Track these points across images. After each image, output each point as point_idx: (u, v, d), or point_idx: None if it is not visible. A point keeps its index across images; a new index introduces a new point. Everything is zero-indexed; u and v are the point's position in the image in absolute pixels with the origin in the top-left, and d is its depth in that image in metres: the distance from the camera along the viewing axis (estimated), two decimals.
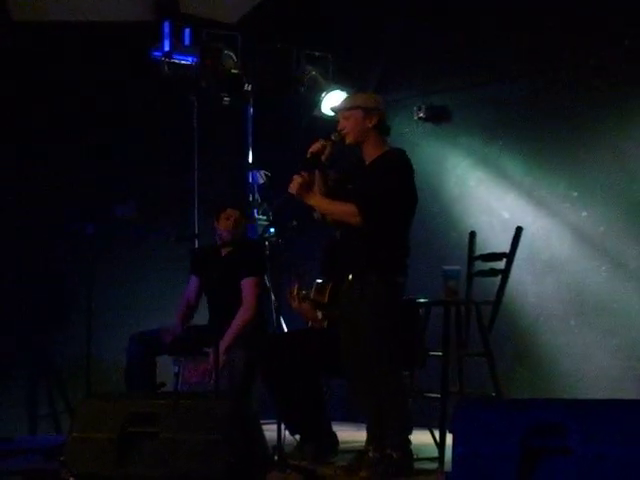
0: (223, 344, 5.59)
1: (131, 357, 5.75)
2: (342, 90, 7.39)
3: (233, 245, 5.97)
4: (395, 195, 4.74)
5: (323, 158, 4.88)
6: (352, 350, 4.76)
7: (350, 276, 4.80)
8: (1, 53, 6.50)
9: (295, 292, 5.47)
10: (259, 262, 5.94)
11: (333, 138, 4.87)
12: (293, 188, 4.80)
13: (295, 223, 5.41)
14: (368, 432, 4.86)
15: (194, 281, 6.11)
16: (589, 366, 6.30)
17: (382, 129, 4.89)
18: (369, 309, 4.71)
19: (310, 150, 4.88)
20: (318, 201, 4.88)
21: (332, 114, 5.50)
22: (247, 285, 5.86)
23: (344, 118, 4.88)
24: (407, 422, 4.79)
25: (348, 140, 4.86)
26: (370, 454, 4.76)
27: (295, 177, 4.82)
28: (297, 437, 5.32)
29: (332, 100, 7.19)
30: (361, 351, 4.72)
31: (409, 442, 4.76)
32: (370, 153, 4.87)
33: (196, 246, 6.81)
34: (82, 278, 5.82)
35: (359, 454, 4.87)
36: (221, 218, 5.97)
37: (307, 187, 4.83)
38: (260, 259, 5.95)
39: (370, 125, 4.83)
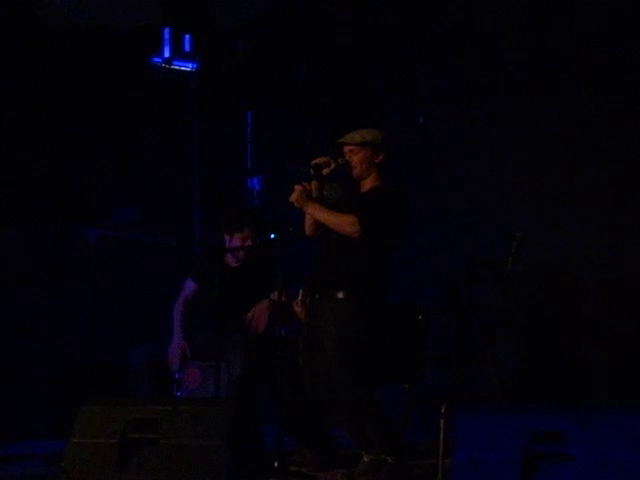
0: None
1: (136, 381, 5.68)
2: None
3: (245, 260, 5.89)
4: (389, 224, 4.80)
5: (325, 172, 4.94)
6: (317, 370, 4.83)
7: (317, 295, 4.87)
8: (2, 54, 6.51)
9: (300, 298, 5.47)
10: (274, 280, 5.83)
11: (340, 162, 4.94)
12: (293, 198, 4.91)
13: (292, 229, 5.41)
14: (355, 440, 4.90)
15: (193, 286, 6.01)
16: (591, 372, 6.30)
17: (386, 165, 4.97)
18: (332, 327, 4.77)
19: (314, 162, 4.93)
20: (317, 210, 4.94)
21: None
22: (263, 308, 5.80)
23: (352, 152, 4.95)
24: (388, 428, 4.79)
25: (354, 173, 4.94)
26: (365, 459, 4.77)
27: (296, 187, 4.91)
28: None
29: None
30: (327, 371, 4.77)
31: (399, 445, 4.78)
32: (367, 184, 4.98)
33: (195, 250, 6.77)
34: (84, 281, 5.82)
35: (358, 460, 4.86)
36: (235, 237, 5.87)
37: (307, 196, 4.92)
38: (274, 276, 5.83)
39: (377, 161, 4.94)
